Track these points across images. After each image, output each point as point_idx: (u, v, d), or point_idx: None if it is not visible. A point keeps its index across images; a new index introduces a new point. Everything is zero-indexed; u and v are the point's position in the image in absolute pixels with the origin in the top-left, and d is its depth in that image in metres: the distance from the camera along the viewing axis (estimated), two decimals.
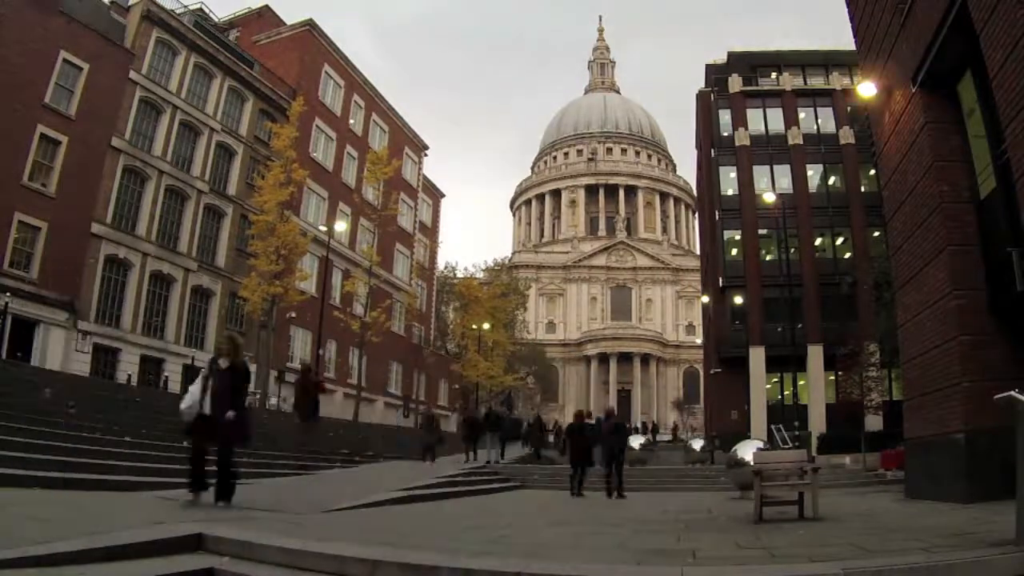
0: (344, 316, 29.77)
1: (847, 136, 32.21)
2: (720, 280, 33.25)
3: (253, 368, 17.67)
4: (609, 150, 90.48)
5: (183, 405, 6.90)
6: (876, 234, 28.57)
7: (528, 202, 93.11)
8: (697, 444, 25.03)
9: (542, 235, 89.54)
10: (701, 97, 37.61)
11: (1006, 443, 4.92)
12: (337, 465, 15.13)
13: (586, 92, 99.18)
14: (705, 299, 41.86)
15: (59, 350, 22.51)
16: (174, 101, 28.07)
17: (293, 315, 29.30)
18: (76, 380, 18.05)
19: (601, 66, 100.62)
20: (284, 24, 38.22)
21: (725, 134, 34.09)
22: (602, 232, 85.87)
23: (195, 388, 6.86)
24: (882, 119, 11.57)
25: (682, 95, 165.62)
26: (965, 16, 7.98)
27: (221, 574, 4.28)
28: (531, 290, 72.39)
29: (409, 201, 44.63)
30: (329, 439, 19.60)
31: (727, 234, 33.56)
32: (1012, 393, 4.57)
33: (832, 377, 27.83)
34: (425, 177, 48.73)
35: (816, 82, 34.58)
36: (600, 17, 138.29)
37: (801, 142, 32.99)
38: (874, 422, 23.83)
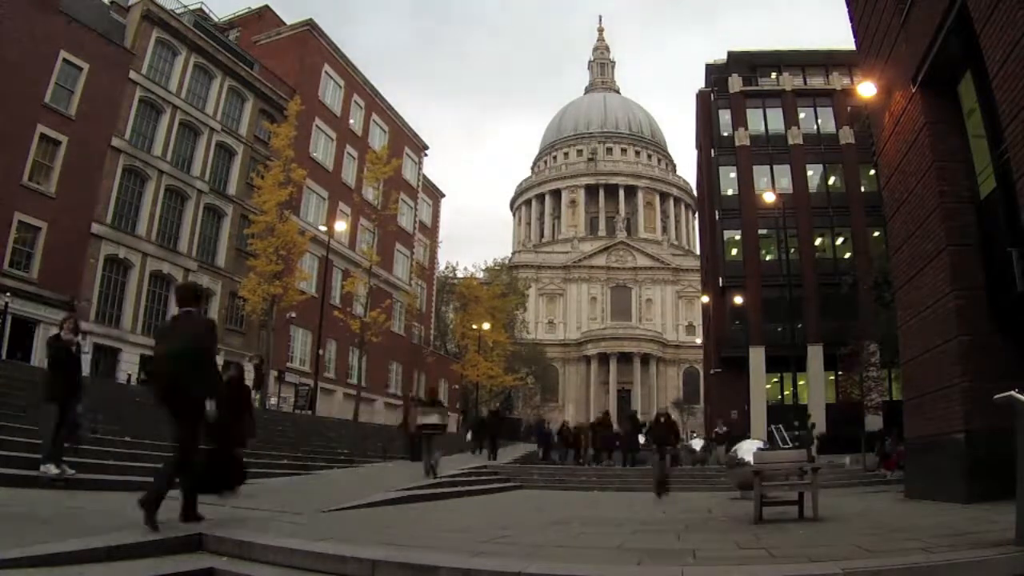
0: (344, 316, 29.76)
1: (847, 136, 32.21)
2: (720, 280, 33.25)
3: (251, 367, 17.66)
4: (609, 150, 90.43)
5: None
6: (876, 234, 28.59)
7: (528, 202, 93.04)
8: (697, 444, 25.03)
9: (542, 235, 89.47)
10: (701, 97, 37.62)
11: (1006, 443, 4.92)
12: (337, 465, 15.12)
13: (586, 92, 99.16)
14: (705, 299, 41.87)
15: None
16: (174, 101, 28.06)
17: (293, 315, 29.30)
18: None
19: (601, 66, 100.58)
20: (284, 24, 38.21)
21: (725, 134, 34.10)
22: (602, 232, 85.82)
23: None
24: (882, 119, 11.56)
25: (682, 95, 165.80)
26: (965, 16, 7.97)
27: (221, 574, 4.29)
28: (531, 290, 72.33)
29: (409, 201, 44.61)
30: (330, 439, 19.63)
31: (727, 234, 33.58)
32: (1012, 393, 4.57)
33: (832, 377, 27.85)
34: (425, 177, 48.71)
35: (816, 82, 34.60)
36: (600, 17, 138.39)
37: (801, 142, 33.01)
38: (874, 422, 23.84)
